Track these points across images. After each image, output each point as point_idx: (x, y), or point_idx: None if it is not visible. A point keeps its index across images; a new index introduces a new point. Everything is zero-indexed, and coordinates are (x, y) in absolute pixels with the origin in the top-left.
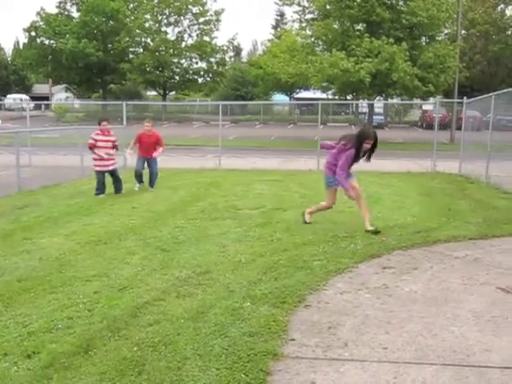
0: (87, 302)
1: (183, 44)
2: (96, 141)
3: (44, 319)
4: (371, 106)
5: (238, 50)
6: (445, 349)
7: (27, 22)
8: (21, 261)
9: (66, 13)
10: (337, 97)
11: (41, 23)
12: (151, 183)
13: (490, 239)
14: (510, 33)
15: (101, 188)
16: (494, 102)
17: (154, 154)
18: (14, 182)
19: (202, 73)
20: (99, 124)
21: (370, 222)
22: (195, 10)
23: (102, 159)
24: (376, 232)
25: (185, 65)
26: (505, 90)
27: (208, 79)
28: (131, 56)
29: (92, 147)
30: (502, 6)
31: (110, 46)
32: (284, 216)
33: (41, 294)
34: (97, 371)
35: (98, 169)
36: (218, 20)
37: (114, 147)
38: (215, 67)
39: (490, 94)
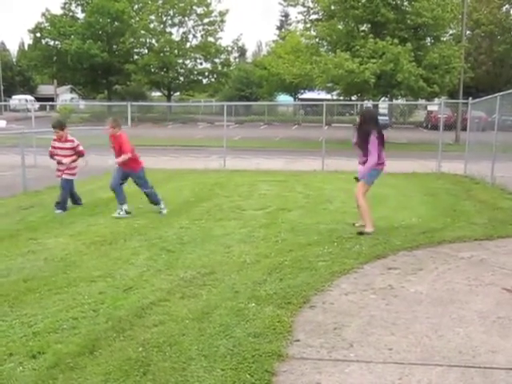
0: (92, 303)
1: (188, 45)
2: (54, 148)
3: (49, 319)
4: (376, 107)
5: (242, 51)
6: (450, 350)
7: (32, 23)
8: (26, 261)
9: (71, 14)
10: (341, 97)
11: (46, 24)
12: (154, 202)
13: (496, 240)
14: None
15: (65, 202)
16: (499, 102)
17: (116, 161)
18: (20, 183)
19: (206, 73)
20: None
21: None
22: (200, 10)
23: (67, 167)
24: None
25: (189, 65)
26: (510, 91)
27: (213, 80)
28: (136, 57)
29: (51, 155)
30: (507, 6)
31: (114, 46)
32: (289, 216)
33: (46, 295)
34: (102, 371)
35: (59, 175)
36: (222, 21)
37: (76, 154)
38: (220, 68)
39: (496, 94)
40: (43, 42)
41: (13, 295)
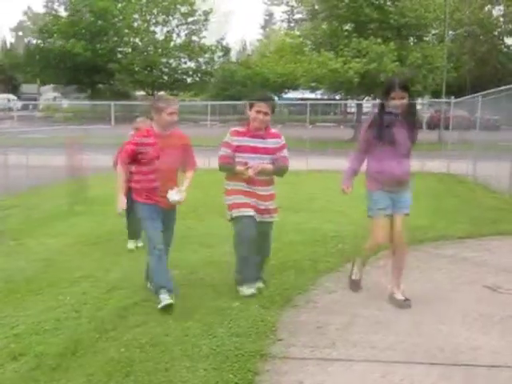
0: (75, 304)
1: (171, 44)
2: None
3: (31, 321)
4: (360, 106)
5: (226, 50)
6: (433, 347)
7: (15, 22)
8: (8, 262)
9: (54, 12)
10: (326, 97)
11: (28, 23)
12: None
13: (478, 238)
14: (496, 33)
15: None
16: (481, 101)
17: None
18: (2, 183)
19: (190, 72)
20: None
21: None
22: (184, 9)
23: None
24: None
25: (173, 65)
26: (492, 90)
27: (197, 79)
28: (119, 56)
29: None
30: (489, 6)
31: (98, 45)
32: None
33: (28, 296)
34: (84, 373)
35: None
36: (206, 20)
37: None
38: (204, 67)
39: (477, 93)
40: (26, 40)
41: None
